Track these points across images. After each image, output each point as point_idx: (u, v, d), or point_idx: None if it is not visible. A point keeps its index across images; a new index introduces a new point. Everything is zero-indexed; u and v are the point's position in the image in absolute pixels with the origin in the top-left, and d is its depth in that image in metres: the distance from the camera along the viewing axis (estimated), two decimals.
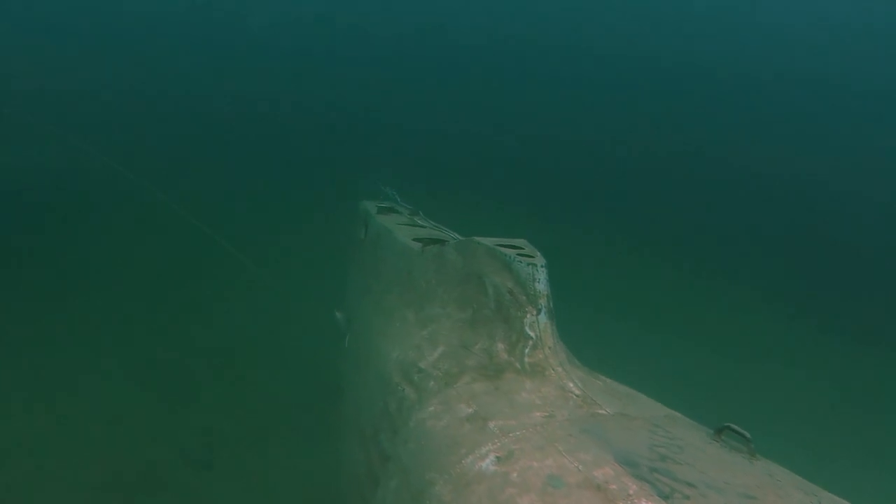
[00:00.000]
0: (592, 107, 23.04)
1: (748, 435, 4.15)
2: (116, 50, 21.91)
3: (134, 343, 10.44)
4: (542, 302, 4.75)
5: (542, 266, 4.79)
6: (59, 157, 14.25)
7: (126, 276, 11.72)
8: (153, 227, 12.64)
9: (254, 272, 10.88)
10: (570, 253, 11.04)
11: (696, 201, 18.00)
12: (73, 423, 8.92)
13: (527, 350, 4.69)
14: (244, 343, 10.70)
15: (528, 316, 4.74)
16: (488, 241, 5.13)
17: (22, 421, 8.81)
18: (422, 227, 6.94)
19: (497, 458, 3.93)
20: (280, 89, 20.66)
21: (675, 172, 19.38)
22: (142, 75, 20.13)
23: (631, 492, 3.44)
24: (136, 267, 11.98)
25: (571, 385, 4.54)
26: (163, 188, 12.10)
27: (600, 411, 4.31)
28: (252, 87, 20.29)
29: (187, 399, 9.85)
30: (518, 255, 4.92)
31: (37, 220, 12.98)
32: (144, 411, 9.41)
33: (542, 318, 4.74)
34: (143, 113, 17.94)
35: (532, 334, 4.72)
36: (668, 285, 14.33)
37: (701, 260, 15.31)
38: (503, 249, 4.98)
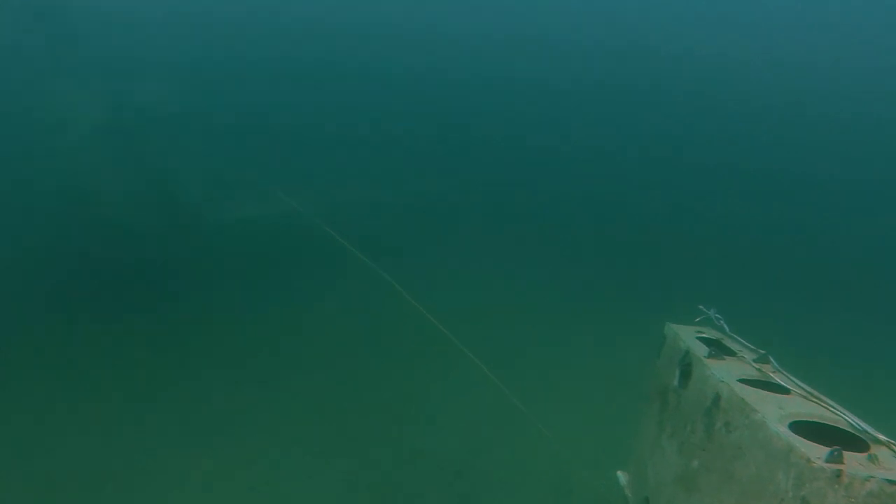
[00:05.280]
0: None
1: None
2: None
3: (346, 441, 9.16)
4: None
5: None
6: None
7: (344, 365, 10.52)
8: (379, 312, 11.42)
9: (500, 386, 9.08)
10: None
11: None
12: None
13: None
14: (475, 456, 8.94)
15: None
16: None
17: None
18: (782, 388, 4.53)
19: None
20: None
21: None
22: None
23: None
24: (357, 356, 10.75)
25: None
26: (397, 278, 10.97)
27: None
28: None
29: None
30: None
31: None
32: None
33: None
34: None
35: None
36: None
37: None
38: None
